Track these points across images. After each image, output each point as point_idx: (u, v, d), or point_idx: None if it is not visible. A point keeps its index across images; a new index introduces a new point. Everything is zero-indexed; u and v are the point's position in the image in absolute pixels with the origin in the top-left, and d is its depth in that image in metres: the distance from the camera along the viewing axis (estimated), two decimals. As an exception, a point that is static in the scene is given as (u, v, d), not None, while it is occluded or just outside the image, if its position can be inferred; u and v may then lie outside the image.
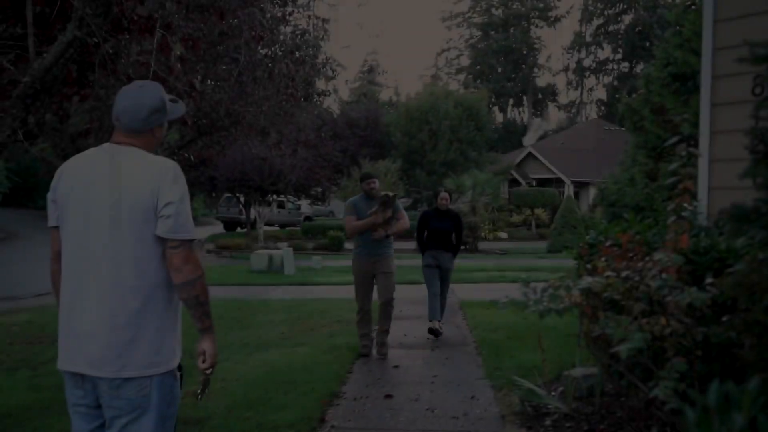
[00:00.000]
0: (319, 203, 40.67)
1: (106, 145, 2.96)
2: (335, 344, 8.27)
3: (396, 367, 7.32)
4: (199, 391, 3.03)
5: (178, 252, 2.77)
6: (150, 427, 2.82)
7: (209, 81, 10.45)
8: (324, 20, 11.45)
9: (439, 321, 9.13)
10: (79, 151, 10.16)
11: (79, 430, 2.94)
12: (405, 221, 7.95)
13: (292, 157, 13.10)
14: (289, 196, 35.11)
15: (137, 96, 2.93)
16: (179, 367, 2.95)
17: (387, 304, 7.95)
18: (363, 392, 6.30)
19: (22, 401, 6.24)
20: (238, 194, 31.16)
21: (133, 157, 2.86)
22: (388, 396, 6.16)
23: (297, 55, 10.09)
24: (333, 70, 11.10)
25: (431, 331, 9.00)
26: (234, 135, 11.50)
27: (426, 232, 9.38)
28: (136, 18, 5.32)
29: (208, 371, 2.93)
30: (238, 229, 36.21)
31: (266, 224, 35.50)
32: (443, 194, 9.49)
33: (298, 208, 41.43)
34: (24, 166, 34.02)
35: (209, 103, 10.72)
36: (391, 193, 7.85)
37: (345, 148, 36.46)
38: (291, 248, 20.13)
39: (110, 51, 5.48)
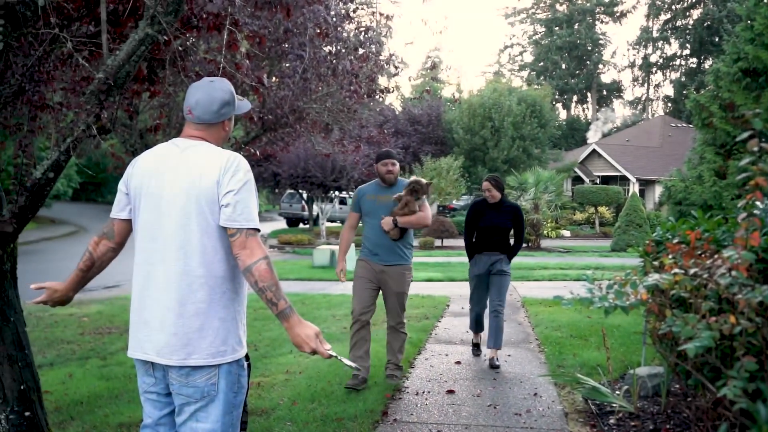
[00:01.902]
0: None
1: (177, 139, 3.03)
2: (397, 339, 8.29)
3: (458, 363, 7.32)
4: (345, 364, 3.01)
5: (236, 239, 2.79)
6: (218, 415, 2.87)
7: (274, 78, 10.56)
8: (387, 17, 11.47)
9: (494, 356, 7.17)
10: (147, 146, 10.42)
11: (151, 417, 3.02)
12: (424, 215, 6.31)
13: (354, 154, 13.19)
14: (351, 193, 35.29)
15: (209, 89, 3.00)
16: (247, 357, 3.01)
17: (396, 331, 6.49)
18: (425, 387, 6.32)
19: (92, 389, 6.42)
20: (300, 190, 31.45)
21: (202, 150, 2.92)
22: (450, 391, 6.17)
23: (361, 52, 10.13)
24: (396, 67, 11.10)
25: (474, 345, 7.68)
26: (298, 131, 11.60)
27: (476, 231, 7.47)
28: (205, 16, 5.40)
29: (324, 356, 2.84)
30: (301, 225, 36.57)
31: (328, 220, 35.78)
32: (484, 183, 7.42)
33: (360, 205, 41.62)
34: (93, 161, 34.88)
35: (274, 100, 10.85)
36: (424, 180, 6.40)
37: (407, 144, 36.54)
38: (353, 244, 20.22)
39: (180, 48, 5.57)
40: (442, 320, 10.18)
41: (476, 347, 7.81)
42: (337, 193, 30.64)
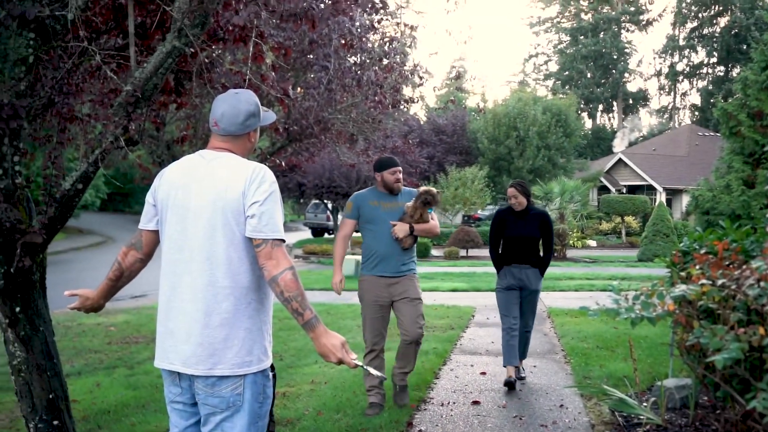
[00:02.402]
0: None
1: (203, 151, 3.05)
2: (423, 350, 8.23)
3: (483, 374, 7.29)
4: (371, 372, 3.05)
5: (261, 250, 2.81)
6: (243, 425, 2.88)
7: (299, 89, 10.62)
8: (411, 27, 11.51)
9: (519, 366, 6.93)
10: (174, 157, 10.50)
11: (177, 427, 3.03)
12: (436, 224, 6.03)
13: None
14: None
15: (234, 102, 3.02)
16: (272, 367, 3.02)
17: (414, 344, 5.94)
18: (450, 398, 6.31)
19: (120, 398, 6.47)
20: (325, 200, 31.54)
21: (227, 161, 2.94)
22: (476, 402, 6.15)
23: (385, 63, 10.16)
24: (420, 77, 11.11)
25: (507, 383, 6.62)
26: (322, 142, 11.64)
27: (502, 241, 6.99)
28: (231, 28, 5.44)
29: (351, 365, 2.84)
30: (326, 235, 36.64)
31: (356, 231, 35.74)
32: (510, 189, 6.93)
33: (386, 214, 41.59)
34: (120, 172, 35.20)
35: (299, 111, 10.90)
36: (435, 190, 6.02)
37: (432, 154, 36.56)
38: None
39: (206, 60, 5.62)
40: (468, 330, 10.15)
41: (511, 385, 6.62)
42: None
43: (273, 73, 5.12)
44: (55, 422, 4.84)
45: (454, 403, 6.15)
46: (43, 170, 4.93)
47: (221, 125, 3.01)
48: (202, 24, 4.64)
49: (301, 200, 36.87)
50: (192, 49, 4.59)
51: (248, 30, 5.57)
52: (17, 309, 4.61)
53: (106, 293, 3.27)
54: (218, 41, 5.55)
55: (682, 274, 4.70)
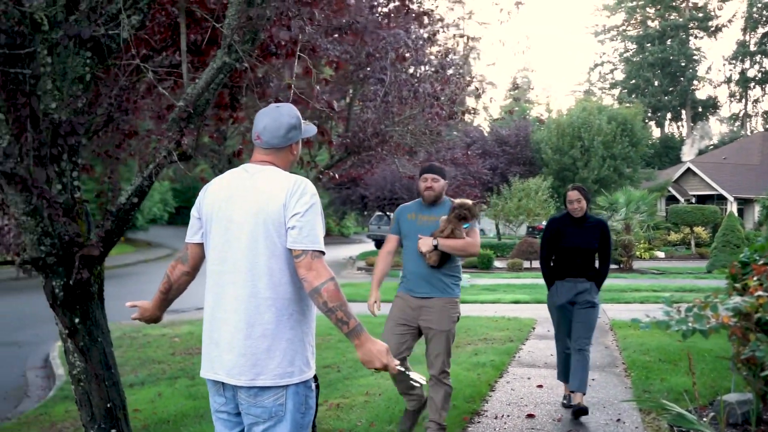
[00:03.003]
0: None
1: (247, 164, 3.11)
2: (479, 362, 8.22)
3: (540, 386, 7.20)
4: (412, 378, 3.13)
5: (300, 261, 2.84)
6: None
7: (357, 101, 10.70)
8: (470, 38, 11.50)
9: (582, 393, 6.12)
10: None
11: None
12: (473, 242, 5.26)
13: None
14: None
15: (276, 115, 3.06)
16: (315, 378, 3.04)
17: (439, 382, 5.25)
18: (504, 411, 6.25)
19: (180, 408, 6.59)
20: (388, 212, 31.64)
21: (270, 174, 2.98)
22: (530, 416, 6.08)
23: (442, 75, 10.17)
24: (477, 88, 11.08)
25: (576, 412, 5.98)
26: (380, 154, 11.68)
27: (555, 252, 6.43)
28: (283, 43, 5.52)
29: (393, 371, 2.90)
30: (389, 247, 36.64)
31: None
32: (571, 192, 6.31)
33: (448, 226, 41.43)
34: (186, 186, 35.87)
35: (357, 123, 10.98)
36: (470, 202, 5.37)
37: (494, 165, 36.34)
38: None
39: (259, 75, 5.71)
40: (527, 343, 10.04)
41: (579, 412, 6.03)
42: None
43: (318, 87, 5.14)
44: (113, 431, 4.95)
45: (508, 416, 6.09)
46: (101, 184, 5.08)
47: (263, 138, 3.05)
48: (252, 39, 4.73)
49: (365, 212, 37.05)
50: (243, 65, 4.66)
51: (299, 44, 5.66)
52: (76, 320, 4.74)
53: (159, 305, 3.38)
54: (271, 56, 5.63)
55: (737, 285, 4.58)
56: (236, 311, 2.90)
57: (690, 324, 3.74)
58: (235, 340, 2.89)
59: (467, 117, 11.67)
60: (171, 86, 5.72)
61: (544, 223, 37.93)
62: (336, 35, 5.42)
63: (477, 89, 10.91)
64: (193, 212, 3.16)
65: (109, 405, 4.93)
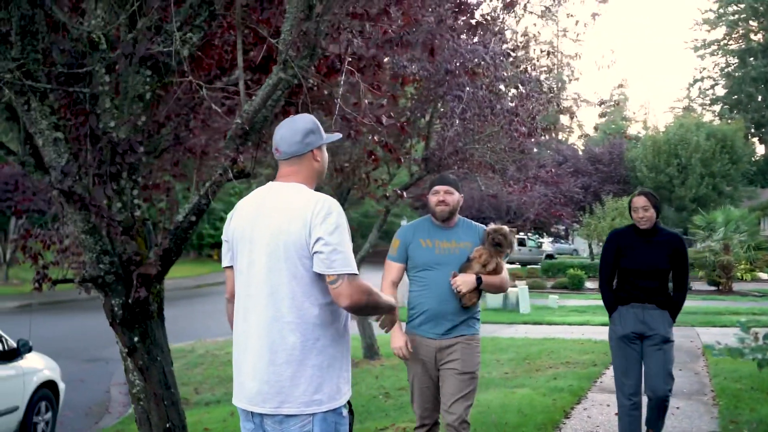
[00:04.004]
0: (562, 241, 39.78)
1: (272, 182, 3.00)
2: (557, 386, 7.90)
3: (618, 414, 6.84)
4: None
5: (338, 287, 2.70)
6: None
7: (437, 119, 10.58)
8: (553, 54, 11.30)
9: None
10: (320, 188, 10.66)
11: None
12: (507, 279, 4.59)
13: (522, 194, 12.83)
14: (529, 234, 34.67)
15: (291, 123, 2.97)
16: (348, 404, 2.89)
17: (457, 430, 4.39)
18: (578, 440, 5.94)
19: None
20: (477, 232, 31.29)
21: (292, 193, 2.87)
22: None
23: (521, 91, 9.96)
24: (559, 105, 10.82)
25: None
26: (461, 172, 11.50)
27: (617, 273, 5.33)
28: (350, 59, 5.44)
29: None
30: (479, 267, 36.28)
31: (507, 262, 35.20)
32: (637, 198, 5.20)
33: (540, 246, 40.78)
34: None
35: (437, 141, 10.86)
36: (507, 228, 4.55)
37: (587, 184, 35.50)
38: (527, 286, 19.81)
39: (325, 92, 5.65)
40: (611, 367, 9.61)
41: None
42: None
43: (366, 101, 5.02)
44: (172, 451, 4.92)
45: (582, 445, 5.79)
46: (160, 202, 5.09)
47: (281, 149, 2.95)
48: (310, 55, 4.66)
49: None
50: (298, 81, 4.59)
51: (369, 59, 5.57)
52: (135, 339, 4.73)
53: None
54: (336, 73, 5.55)
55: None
56: (259, 336, 2.79)
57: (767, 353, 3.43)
58: (258, 367, 2.78)
59: (561, 135, 11.42)
60: (236, 104, 5.71)
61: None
62: (380, 49, 5.24)
63: (559, 106, 10.65)
64: (223, 236, 3.06)
65: (168, 425, 4.89)
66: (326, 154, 3.09)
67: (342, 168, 9.42)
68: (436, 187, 4.54)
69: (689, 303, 18.70)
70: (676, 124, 40.07)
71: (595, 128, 20.28)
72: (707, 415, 6.79)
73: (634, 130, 63.28)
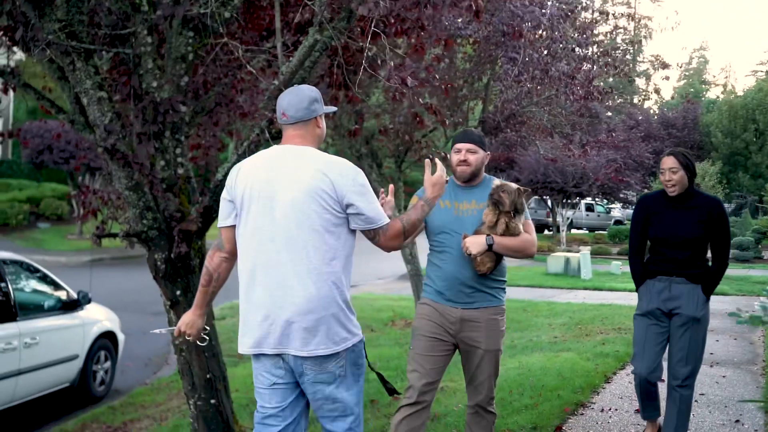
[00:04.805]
0: (631, 207, 39.00)
1: (284, 145, 3.19)
2: (602, 352, 7.86)
3: (663, 381, 6.80)
4: None
5: (378, 241, 3.16)
6: (348, 391, 3.16)
7: (491, 82, 10.49)
8: (632, 17, 11.07)
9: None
10: (372, 152, 10.71)
11: (277, 406, 3.18)
12: (531, 239, 4.05)
13: (582, 158, 12.57)
14: (596, 199, 34.13)
15: (296, 91, 3.22)
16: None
17: (485, 412, 4.12)
18: (614, 404, 5.92)
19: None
20: (545, 197, 30.97)
21: (313, 155, 3.13)
22: (639, 411, 5.75)
23: (579, 53, 9.78)
24: (620, 69, 10.58)
25: None
26: (519, 136, 11.40)
27: (648, 242, 4.79)
28: (392, 21, 5.47)
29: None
30: (546, 232, 36.01)
31: (576, 227, 34.86)
32: (666, 159, 4.58)
33: (608, 211, 40.15)
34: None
35: (495, 104, 10.78)
36: (513, 185, 4.01)
37: (659, 149, 34.67)
38: (589, 252, 19.60)
39: (369, 54, 5.69)
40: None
41: None
42: (579, 199, 29.55)
43: (392, 63, 5.04)
44: (212, 401, 5.11)
45: (617, 409, 5.76)
46: (201, 160, 5.24)
47: (289, 113, 3.17)
48: (347, 17, 4.71)
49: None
50: (335, 42, 4.64)
51: (412, 22, 5.58)
52: (178, 292, 4.92)
53: (200, 304, 3.47)
54: (379, 35, 5.58)
55: None
56: (303, 287, 3.03)
57: (790, 321, 3.39)
58: (298, 314, 3.02)
59: (636, 99, 11.22)
60: (264, 68, 5.80)
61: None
62: (409, 10, 5.23)
63: (622, 71, 10.43)
64: (225, 195, 3.23)
65: (209, 376, 5.09)
66: (324, 123, 3.33)
67: (386, 129, 9.47)
68: (458, 145, 4.10)
69: (758, 272, 18.31)
70: (755, 88, 38.75)
71: (672, 96, 19.59)
72: (753, 384, 6.68)
73: (713, 94, 61.40)
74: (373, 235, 3.14)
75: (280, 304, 3.03)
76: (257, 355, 3.14)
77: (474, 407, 4.10)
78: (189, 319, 3.46)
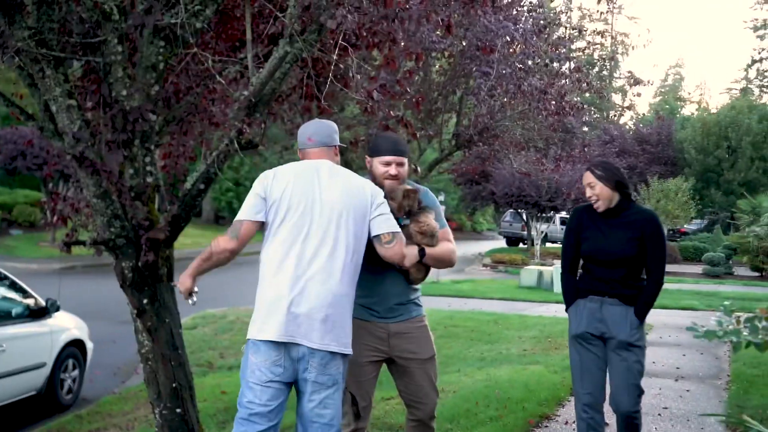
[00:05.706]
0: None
1: (317, 160, 3.64)
2: (570, 365, 7.89)
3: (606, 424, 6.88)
4: None
5: (393, 245, 3.49)
6: (335, 403, 3.39)
7: (465, 96, 10.59)
8: (605, 34, 11.21)
9: None
10: (346, 163, 10.73)
11: (268, 405, 3.33)
12: (454, 249, 3.90)
13: (554, 173, 12.66)
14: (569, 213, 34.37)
15: (320, 122, 3.83)
16: None
17: (425, 427, 3.94)
18: (579, 417, 5.98)
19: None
20: (519, 210, 31.17)
21: (345, 170, 3.66)
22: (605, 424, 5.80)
23: (551, 68, 9.92)
24: (590, 86, 10.73)
25: None
26: (492, 150, 11.52)
27: (580, 258, 4.46)
28: (364, 34, 5.51)
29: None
30: (521, 245, 36.22)
31: (550, 241, 35.06)
32: (584, 174, 4.36)
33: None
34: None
35: (468, 118, 10.88)
36: (408, 188, 3.80)
37: (633, 165, 34.99)
38: (562, 266, 19.74)
39: (341, 66, 5.73)
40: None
41: None
42: (553, 213, 29.75)
43: (358, 76, 5.10)
44: (178, 410, 5.10)
45: (581, 422, 5.83)
46: (172, 168, 5.24)
47: (316, 138, 3.67)
48: (318, 30, 4.75)
49: (500, 209, 36.77)
50: (306, 55, 4.68)
51: (383, 34, 5.63)
52: (144, 301, 4.91)
53: (192, 271, 3.68)
54: (351, 47, 5.62)
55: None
56: (335, 281, 3.36)
57: (744, 335, 3.46)
58: (322, 306, 3.32)
59: (611, 114, 11.36)
60: (235, 79, 5.83)
61: (687, 226, 36.48)
62: (376, 24, 5.29)
63: (593, 88, 10.57)
64: (260, 192, 3.50)
65: (174, 385, 5.07)
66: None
67: (356, 141, 9.53)
68: (388, 158, 3.84)
69: (727, 288, 18.49)
70: (729, 106, 39.25)
71: (648, 112, 19.84)
72: (715, 398, 6.78)
73: (688, 111, 62.09)
74: (390, 240, 3.47)
75: (307, 298, 3.31)
76: (260, 348, 3.33)
77: (417, 423, 3.91)
78: (181, 278, 3.70)
